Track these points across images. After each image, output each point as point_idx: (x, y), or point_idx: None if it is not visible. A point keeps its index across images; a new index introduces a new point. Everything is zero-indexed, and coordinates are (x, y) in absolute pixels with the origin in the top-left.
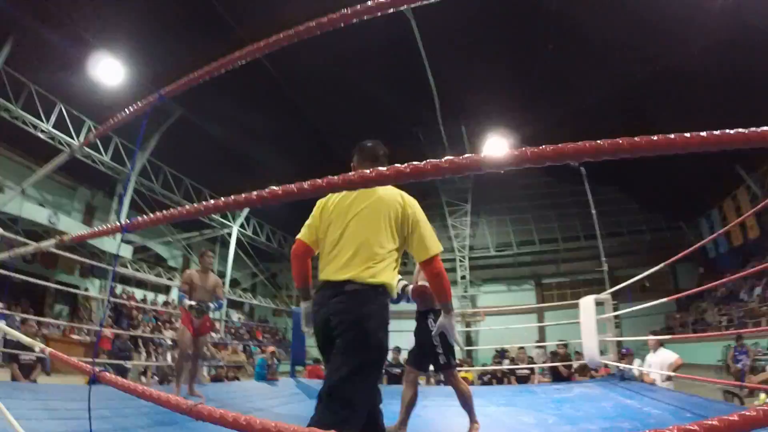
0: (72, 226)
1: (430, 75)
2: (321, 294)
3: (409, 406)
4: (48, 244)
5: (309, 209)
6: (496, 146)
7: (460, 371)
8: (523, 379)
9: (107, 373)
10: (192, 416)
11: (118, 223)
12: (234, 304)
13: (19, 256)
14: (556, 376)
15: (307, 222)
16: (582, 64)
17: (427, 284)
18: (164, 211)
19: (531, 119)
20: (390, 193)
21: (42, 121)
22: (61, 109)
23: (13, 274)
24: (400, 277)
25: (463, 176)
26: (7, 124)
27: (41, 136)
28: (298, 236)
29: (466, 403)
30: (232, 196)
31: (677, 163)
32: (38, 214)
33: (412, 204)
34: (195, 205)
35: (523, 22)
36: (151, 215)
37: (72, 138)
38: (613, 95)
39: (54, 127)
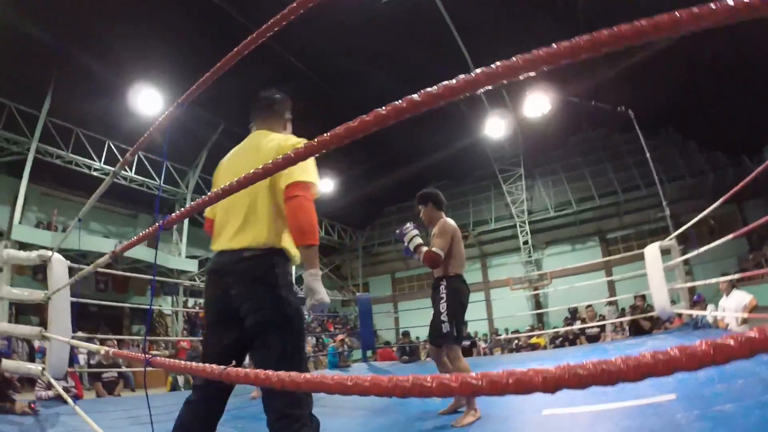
0: (137, 250)
1: (457, 36)
2: (216, 261)
3: None
4: (103, 260)
5: (368, 202)
6: (538, 103)
7: (531, 336)
8: (593, 339)
9: (158, 358)
10: (223, 379)
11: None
12: (301, 300)
13: (81, 279)
14: (637, 330)
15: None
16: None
17: (436, 251)
18: (191, 204)
19: (576, 74)
20: (274, 144)
21: (93, 159)
22: (109, 145)
23: (87, 301)
24: (416, 232)
25: (512, 140)
26: (62, 169)
27: (95, 174)
28: (204, 213)
29: None
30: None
31: (733, 92)
32: (104, 245)
33: (296, 144)
34: (214, 191)
35: None
36: (181, 211)
37: (125, 170)
38: (663, 45)
39: (105, 163)
